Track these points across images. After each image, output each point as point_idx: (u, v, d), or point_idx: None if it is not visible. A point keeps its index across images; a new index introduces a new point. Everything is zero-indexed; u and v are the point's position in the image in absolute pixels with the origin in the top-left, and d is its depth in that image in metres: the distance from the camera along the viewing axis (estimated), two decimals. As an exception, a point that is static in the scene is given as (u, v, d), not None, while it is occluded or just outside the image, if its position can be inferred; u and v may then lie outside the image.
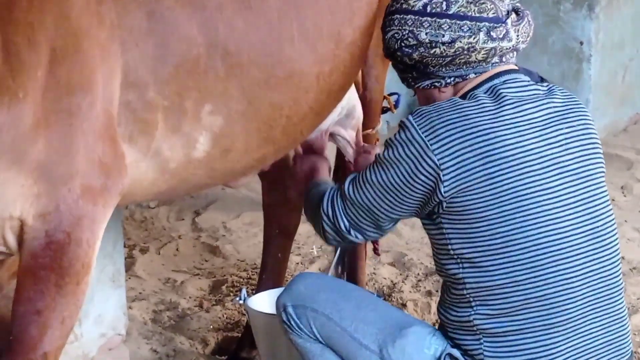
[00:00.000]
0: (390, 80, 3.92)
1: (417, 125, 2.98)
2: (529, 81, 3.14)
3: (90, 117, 2.66)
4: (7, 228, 2.59)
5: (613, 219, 3.14)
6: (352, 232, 3.17)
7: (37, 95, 2.54)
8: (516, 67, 3.17)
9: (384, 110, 4.06)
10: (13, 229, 2.60)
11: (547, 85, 3.18)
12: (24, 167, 2.54)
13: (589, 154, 3.11)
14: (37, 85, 2.54)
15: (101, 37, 2.68)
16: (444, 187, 2.93)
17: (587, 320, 3.05)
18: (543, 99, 3.10)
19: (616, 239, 3.13)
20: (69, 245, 2.65)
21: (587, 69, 6.32)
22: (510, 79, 3.09)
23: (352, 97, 3.80)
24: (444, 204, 2.96)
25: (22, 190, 2.56)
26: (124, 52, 2.74)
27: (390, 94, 4.07)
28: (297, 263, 4.89)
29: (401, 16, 3.13)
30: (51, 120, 2.58)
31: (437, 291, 4.22)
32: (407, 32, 3.10)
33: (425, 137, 2.95)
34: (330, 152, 3.85)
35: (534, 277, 2.98)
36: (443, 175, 2.92)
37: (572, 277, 3.01)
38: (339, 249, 4.17)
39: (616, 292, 3.11)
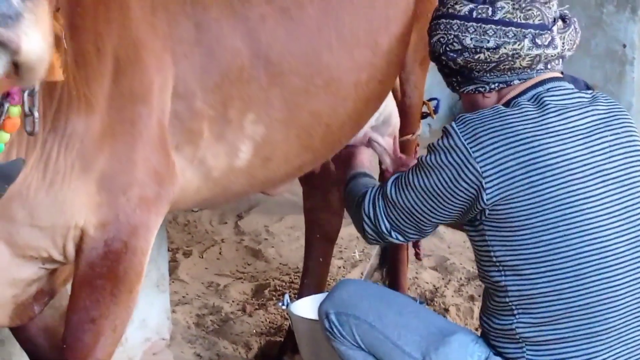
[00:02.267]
0: (431, 85, 3.89)
1: (460, 133, 3.00)
2: (572, 89, 3.14)
3: (149, 127, 2.72)
4: (70, 238, 2.64)
5: None
6: (392, 233, 3.20)
7: (105, 104, 2.60)
8: (561, 75, 3.18)
9: (424, 116, 4.06)
10: (75, 238, 2.64)
11: (592, 93, 3.18)
12: (90, 175, 2.59)
13: (633, 162, 3.11)
14: (105, 94, 2.60)
15: (156, 47, 2.75)
16: (487, 195, 2.95)
17: (631, 329, 3.06)
18: (587, 107, 3.10)
19: None
20: (125, 254, 2.70)
21: (630, 71, 6.32)
22: (554, 87, 3.10)
23: (389, 105, 3.85)
24: (487, 212, 2.98)
25: (87, 199, 2.61)
26: (174, 62, 2.80)
27: (430, 100, 4.07)
28: (339, 267, 4.91)
29: (447, 21, 3.14)
30: (116, 129, 2.64)
31: (479, 296, 4.23)
32: (452, 36, 3.12)
33: (468, 144, 2.97)
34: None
35: (577, 285, 2.98)
36: (485, 183, 2.94)
37: (615, 286, 3.01)
38: (379, 254, 4.17)
39: None
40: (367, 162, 3.54)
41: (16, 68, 1.74)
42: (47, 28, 1.77)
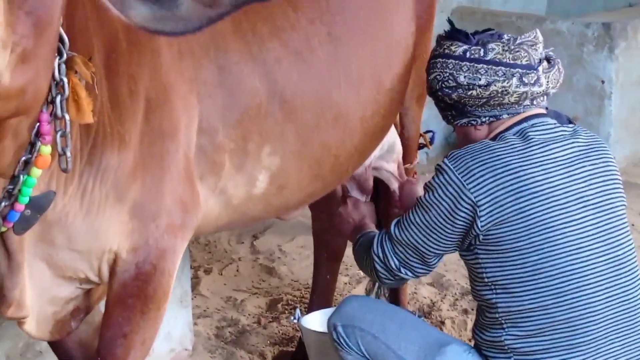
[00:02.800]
0: (428, 118, 3.92)
1: (454, 168, 3.01)
2: (555, 124, 3.16)
3: (176, 160, 2.74)
4: (105, 261, 2.66)
5: (632, 247, 3.15)
6: (402, 270, 3.20)
7: (137, 140, 2.62)
8: (545, 111, 3.20)
9: (421, 146, 4.06)
10: (109, 261, 2.66)
11: (573, 127, 3.21)
12: (124, 205, 2.61)
13: (611, 189, 3.13)
14: (137, 131, 2.62)
15: (183, 89, 2.76)
16: (481, 221, 2.97)
17: (609, 341, 3.06)
18: (568, 140, 3.12)
19: (636, 266, 3.15)
20: (154, 275, 2.72)
21: (608, 105, 6.32)
22: (538, 122, 3.12)
23: (392, 134, 3.84)
24: (481, 237, 3.00)
25: (120, 226, 2.62)
26: (199, 102, 2.81)
27: (426, 132, 4.08)
28: (345, 283, 4.89)
29: (443, 60, 3.16)
30: (147, 162, 2.65)
31: (472, 309, 4.22)
32: (448, 74, 3.14)
33: (462, 178, 2.99)
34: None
35: (560, 301, 2.99)
36: (480, 212, 2.96)
37: (594, 302, 3.02)
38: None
39: (635, 314, 3.12)
40: (371, 222, 3.54)
41: None
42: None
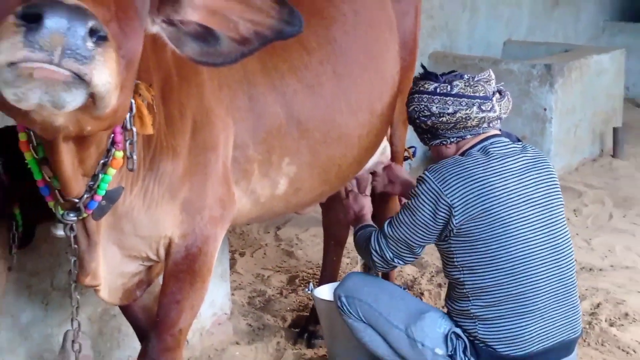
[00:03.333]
0: (411, 136, 3.89)
1: (433, 178, 3.03)
2: (508, 142, 3.17)
3: (216, 168, 2.73)
4: (161, 244, 2.67)
5: (569, 237, 3.16)
6: (395, 259, 3.19)
7: (186, 152, 2.62)
8: (499, 132, 3.20)
9: (405, 158, 4.05)
10: (165, 245, 2.67)
11: (522, 144, 3.22)
12: (176, 202, 2.61)
13: (552, 192, 3.14)
14: (186, 145, 2.62)
15: (221, 113, 2.76)
16: (455, 219, 2.98)
17: (551, 309, 3.07)
18: (519, 154, 3.12)
19: (572, 251, 3.17)
20: (199, 256, 2.72)
21: (549, 127, 6.32)
22: (495, 141, 3.12)
23: (384, 144, 3.83)
24: (454, 231, 3.01)
25: (173, 218, 2.63)
26: (234, 123, 2.81)
27: (410, 147, 4.07)
28: (347, 263, 4.88)
29: (419, 95, 3.17)
30: (193, 170, 2.65)
31: (445, 284, 4.20)
32: (423, 106, 3.15)
33: (440, 186, 3.01)
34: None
35: (513, 279, 3.01)
36: (454, 212, 2.97)
37: (539, 279, 3.03)
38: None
39: (572, 288, 3.13)
40: (368, 213, 3.55)
41: (92, 99, 1.71)
42: (114, 69, 1.72)
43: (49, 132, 1.88)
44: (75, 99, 1.67)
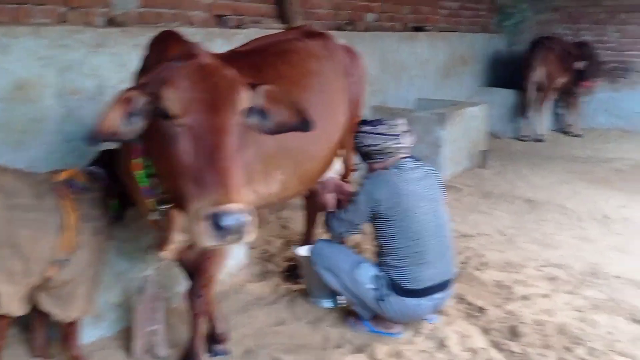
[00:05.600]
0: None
1: (368, 183, 3.03)
2: (413, 161, 3.17)
3: (251, 176, 2.69)
4: None
5: (447, 216, 3.15)
6: (346, 233, 3.20)
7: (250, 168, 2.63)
8: (409, 154, 3.19)
9: (352, 170, 4.01)
10: None
11: (422, 162, 3.20)
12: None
13: (440, 191, 3.15)
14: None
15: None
16: (381, 208, 3.00)
17: (436, 260, 3.08)
18: (421, 168, 3.14)
19: (448, 225, 3.15)
20: None
21: (442, 151, 6.23)
22: (405, 161, 3.13)
23: (337, 164, 3.76)
24: (379, 214, 3.01)
25: None
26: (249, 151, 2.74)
27: (355, 163, 4.02)
28: (321, 233, 4.78)
29: (359, 133, 3.18)
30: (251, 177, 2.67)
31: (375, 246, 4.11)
32: (361, 140, 3.16)
33: (372, 189, 3.01)
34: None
35: (413, 243, 3.08)
36: (380, 204, 2.99)
37: (429, 242, 3.05)
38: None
39: (449, 247, 3.14)
40: (332, 204, 3.45)
41: None
42: (254, 223, 1.83)
43: None
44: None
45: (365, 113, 6.28)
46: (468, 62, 8.74)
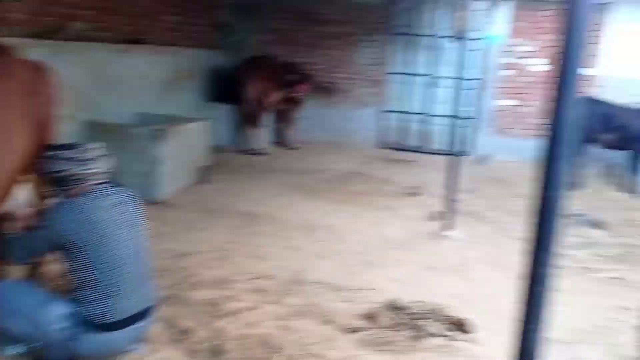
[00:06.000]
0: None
1: (55, 212, 2.86)
2: (111, 185, 3.03)
3: None
4: None
5: (146, 242, 3.09)
6: (24, 258, 3.00)
7: None
8: (106, 180, 3.04)
9: (45, 197, 3.62)
10: None
11: (121, 187, 3.08)
12: None
13: (136, 216, 3.07)
14: None
15: None
16: (69, 240, 2.83)
17: (130, 291, 3.00)
18: (118, 194, 3.03)
19: (146, 252, 3.09)
20: None
21: (161, 167, 6.13)
22: (101, 187, 3.00)
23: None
24: (69, 246, 2.84)
25: None
26: None
27: (49, 190, 3.69)
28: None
29: (46, 159, 2.97)
30: None
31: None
32: (48, 166, 2.95)
33: (58, 217, 2.85)
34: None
35: (105, 276, 2.92)
36: (68, 236, 2.83)
37: (122, 273, 2.96)
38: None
39: (146, 275, 3.07)
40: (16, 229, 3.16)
41: None
42: None
43: None
44: None
45: (74, 129, 5.86)
46: (190, 77, 8.86)
